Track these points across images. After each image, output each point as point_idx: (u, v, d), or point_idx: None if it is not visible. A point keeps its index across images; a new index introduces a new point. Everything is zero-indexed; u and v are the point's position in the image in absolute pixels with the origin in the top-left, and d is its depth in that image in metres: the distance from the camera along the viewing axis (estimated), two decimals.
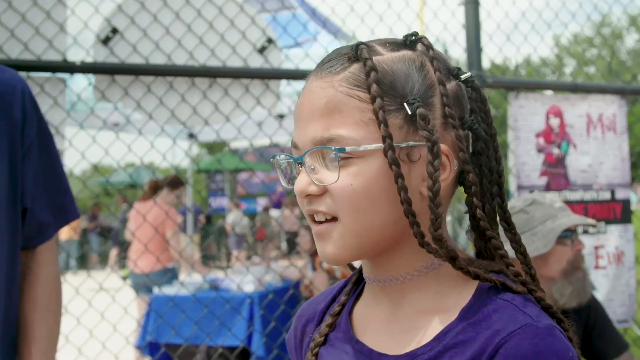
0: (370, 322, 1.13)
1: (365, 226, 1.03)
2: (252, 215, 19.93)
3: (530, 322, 0.97)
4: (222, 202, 20.69)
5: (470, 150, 1.09)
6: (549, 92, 4.02)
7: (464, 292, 1.05)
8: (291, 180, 1.11)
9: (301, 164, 1.05)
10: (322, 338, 1.18)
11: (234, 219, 16.85)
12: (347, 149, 1.00)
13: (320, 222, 1.05)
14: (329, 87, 1.03)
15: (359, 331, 1.14)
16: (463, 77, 1.10)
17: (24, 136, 1.82)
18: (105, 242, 20.35)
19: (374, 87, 1.01)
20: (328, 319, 1.20)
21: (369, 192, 1.01)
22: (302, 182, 1.05)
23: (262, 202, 20.90)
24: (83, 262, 19.10)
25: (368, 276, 1.13)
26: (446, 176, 1.05)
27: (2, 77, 1.81)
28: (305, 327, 1.27)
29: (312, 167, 1.04)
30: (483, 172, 1.10)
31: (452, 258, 1.02)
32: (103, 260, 19.76)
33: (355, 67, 1.04)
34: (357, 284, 1.22)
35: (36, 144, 1.85)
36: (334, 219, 1.04)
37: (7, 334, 1.80)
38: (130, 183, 11.80)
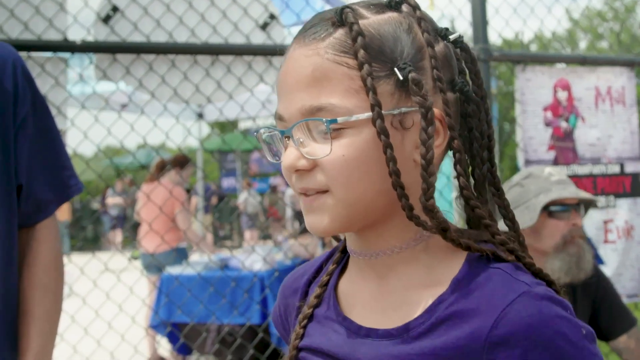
0: (358, 298, 1.10)
1: (357, 197, 0.99)
2: (264, 194, 19.94)
3: (527, 289, 0.94)
4: (234, 182, 20.71)
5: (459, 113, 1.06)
6: (556, 65, 3.96)
7: (453, 264, 1.02)
8: (276, 155, 1.06)
9: (289, 137, 1.00)
10: (310, 310, 1.15)
11: (245, 198, 16.87)
12: (339, 119, 0.96)
13: (310, 194, 1.01)
14: (315, 54, 0.98)
15: (346, 307, 1.11)
16: (452, 37, 1.06)
17: (17, 111, 1.78)
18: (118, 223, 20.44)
19: (362, 52, 0.96)
20: (316, 290, 1.16)
21: (361, 163, 0.97)
22: (291, 157, 0.99)
23: (274, 181, 20.93)
24: (95, 243, 19.19)
25: (353, 250, 1.09)
26: (440, 142, 1.01)
27: None
28: (287, 300, 1.25)
29: (301, 140, 0.99)
30: (473, 136, 1.05)
31: (443, 229, 0.98)
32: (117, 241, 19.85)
33: (341, 33, 0.99)
34: (339, 259, 1.19)
35: (31, 118, 1.81)
36: (324, 191, 1.00)
37: (7, 313, 1.78)
38: (142, 164, 11.81)
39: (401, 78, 0.98)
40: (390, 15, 1.03)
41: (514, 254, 1.02)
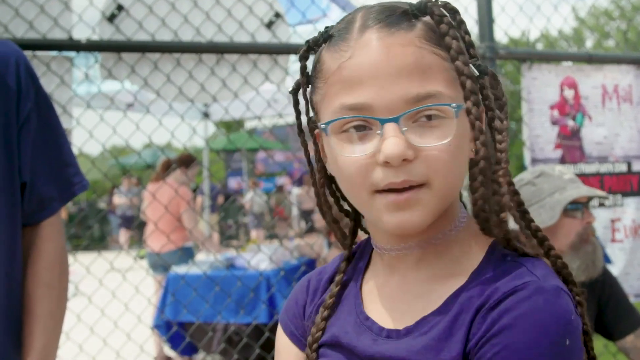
0: (382, 293, 1.11)
1: (450, 189, 1.01)
2: (269, 194, 19.94)
3: (535, 280, 0.96)
4: (240, 181, 20.71)
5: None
6: (563, 64, 3.95)
7: (475, 255, 1.04)
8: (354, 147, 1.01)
9: (394, 125, 0.96)
10: (327, 311, 1.15)
11: (251, 198, 16.86)
12: (454, 105, 0.97)
13: (400, 191, 0.98)
14: (410, 44, 0.98)
15: (368, 303, 1.11)
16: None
17: (20, 108, 1.77)
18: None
19: (455, 43, 0.99)
20: (332, 289, 1.17)
21: (459, 152, 1.00)
22: (401, 146, 0.95)
23: (280, 181, 20.92)
24: (102, 243, 19.20)
25: (385, 247, 1.09)
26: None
27: None
28: (308, 294, 1.24)
29: (405, 128, 0.97)
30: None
31: (507, 239, 1.02)
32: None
33: (423, 25, 1.01)
34: (364, 255, 1.20)
35: (34, 115, 1.80)
36: (419, 185, 0.98)
37: (11, 311, 1.77)
38: (148, 164, 11.83)
39: (477, 74, 1.01)
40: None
41: (544, 243, 1.10)
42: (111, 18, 3.10)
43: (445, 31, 0.99)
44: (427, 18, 1.02)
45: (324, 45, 1.07)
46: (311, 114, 1.13)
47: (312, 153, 1.17)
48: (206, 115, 10.04)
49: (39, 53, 2.92)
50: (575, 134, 3.74)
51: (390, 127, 0.96)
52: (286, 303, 1.28)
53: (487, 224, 1.00)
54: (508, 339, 0.91)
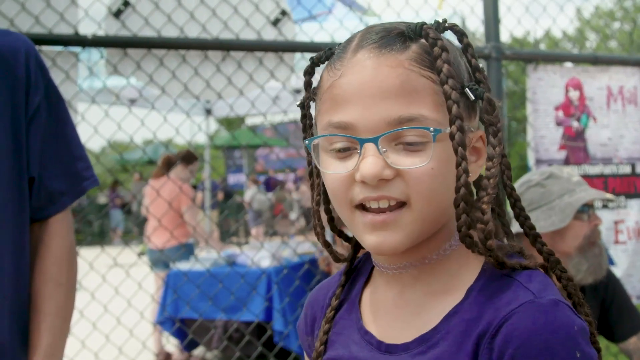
0: (380, 308, 1.11)
1: (433, 212, 1.00)
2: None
3: (532, 298, 0.96)
4: (241, 178, 20.70)
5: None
6: (568, 65, 3.94)
7: (470, 271, 1.04)
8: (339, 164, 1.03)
9: (372, 146, 0.98)
10: (328, 325, 1.16)
11: (251, 195, 16.85)
12: (443, 130, 0.97)
13: (379, 211, 1.00)
14: (399, 65, 0.99)
15: (367, 318, 1.12)
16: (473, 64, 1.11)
17: (29, 100, 1.75)
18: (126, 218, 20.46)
19: (446, 67, 0.98)
20: (332, 302, 1.19)
21: (444, 177, 0.99)
22: (377, 166, 0.97)
23: (280, 178, 20.89)
24: (102, 238, 19.20)
25: (382, 264, 1.10)
26: (482, 162, 1.06)
27: (5, 40, 1.75)
28: (315, 313, 1.25)
29: (384, 149, 0.98)
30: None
31: (499, 263, 1.01)
32: (124, 235, 19.87)
33: (417, 47, 1.01)
34: (363, 270, 1.20)
35: (44, 108, 1.78)
36: (397, 205, 0.99)
37: (18, 308, 1.76)
38: (148, 160, 11.82)
39: (472, 98, 1.01)
40: (445, 39, 1.05)
41: (550, 258, 1.08)
42: (117, 14, 3.09)
43: (437, 54, 0.98)
44: (423, 40, 1.01)
45: (326, 62, 1.09)
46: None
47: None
48: (209, 112, 10.03)
49: (45, 48, 2.91)
50: (579, 135, 3.73)
51: (369, 147, 0.98)
52: (300, 319, 1.30)
53: (476, 249, 1.00)
54: None
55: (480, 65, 1.08)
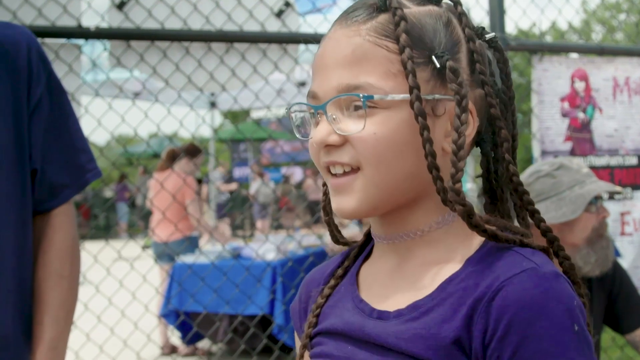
0: (376, 279, 1.12)
1: (386, 178, 1.01)
2: (276, 184, 19.91)
3: (534, 266, 0.95)
4: (246, 171, 20.70)
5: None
6: (574, 56, 3.92)
7: (470, 247, 1.04)
8: (305, 132, 1.09)
9: (322, 113, 1.03)
10: (324, 300, 1.16)
11: (257, 188, 16.85)
12: (375, 96, 0.99)
13: (339, 175, 1.04)
14: (356, 35, 1.02)
15: (363, 289, 1.13)
16: (487, 37, 1.10)
17: (31, 93, 1.74)
18: (133, 212, 20.49)
19: (404, 36, 1.00)
20: (331, 281, 1.19)
21: (392, 143, 1.00)
22: (323, 131, 1.03)
23: (287, 171, 20.88)
24: (107, 231, 19.22)
25: (377, 234, 1.11)
26: (470, 132, 1.04)
27: (6, 32, 1.75)
28: (310, 292, 1.24)
29: (334, 116, 1.03)
30: (498, 136, 1.07)
31: (469, 215, 0.99)
32: (128, 228, 19.90)
33: (383, 17, 1.02)
34: (363, 247, 1.20)
35: (46, 100, 1.78)
36: (353, 170, 1.02)
37: (21, 301, 1.76)
38: (153, 153, 11.82)
39: (438, 66, 1.01)
40: (431, 8, 1.06)
41: (554, 242, 1.06)
42: (120, 6, 3.08)
43: (396, 23, 1.00)
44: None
45: None
46: None
47: None
48: (213, 104, 10.03)
49: (48, 40, 2.90)
50: (585, 126, 3.71)
51: (321, 114, 1.03)
52: (294, 301, 1.30)
53: (445, 196, 1.00)
54: (519, 335, 0.91)
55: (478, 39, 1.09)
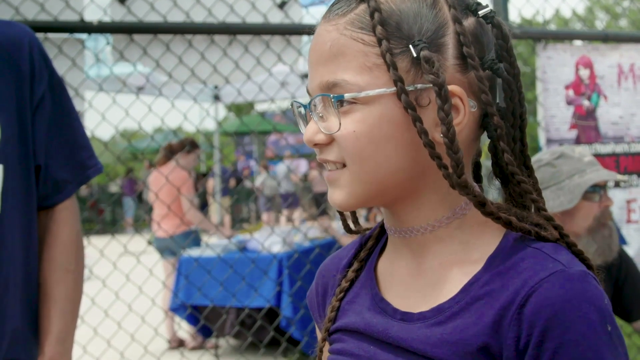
0: (395, 277, 1.09)
1: (370, 173, 1.00)
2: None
3: (562, 268, 0.93)
4: (251, 164, 20.73)
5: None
6: (578, 43, 3.91)
7: (490, 240, 1.01)
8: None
9: (308, 110, 1.03)
10: (342, 294, 1.14)
11: (262, 181, 16.88)
12: (346, 95, 0.97)
13: (331, 170, 1.03)
14: (334, 30, 1.00)
15: (383, 287, 1.10)
16: (481, 12, 1.02)
17: (34, 91, 1.77)
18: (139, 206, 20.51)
19: (379, 29, 0.97)
20: (348, 274, 1.16)
21: (372, 139, 0.98)
22: (310, 131, 1.03)
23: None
24: (114, 226, 19.27)
25: (389, 227, 1.09)
26: (460, 120, 0.99)
27: (9, 31, 1.78)
28: (327, 283, 1.22)
29: (321, 114, 1.01)
30: (505, 115, 1.03)
31: (481, 204, 0.97)
32: (134, 223, 19.93)
33: (361, 9, 0.99)
34: (379, 238, 1.18)
35: (48, 98, 1.81)
36: (343, 165, 1.01)
37: (28, 295, 1.79)
38: (158, 147, 11.82)
39: (415, 55, 0.97)
40: None
41: (559, 230, 1.02)
42: None
43: (370, 14, 0.97)
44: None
45: None
46: None
47: None
48: (217, 97, 10.02)
49: (51, 35, 2.90)
50: (590, 114, 3.70)
51: (308, 113, 1.04)
52: (308, 294, 1.27)
53: (452, 182, 0.96)
54: (554, 342, 0.90)
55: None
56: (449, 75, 0.98)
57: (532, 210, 1.05)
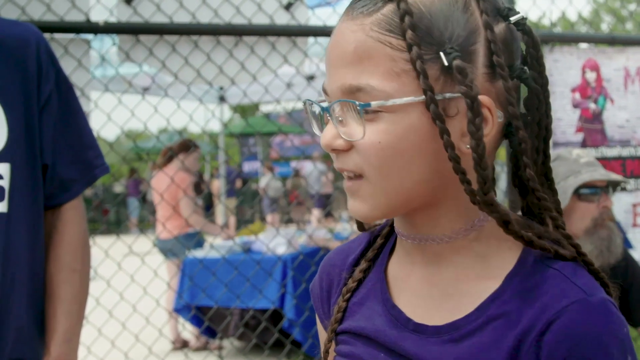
0: (406, 283, 1.05)
1: (394, 185, 0.94)
2: (285, 179, 19.92)
3: (583, 297, 0.91)
4: (256, 165, 20.73)
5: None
6: (584, 46, 3.90)
7: (507, 256, 0.98)
8: (323, 127, 1.01)
9: (327, 113, 0.97)
10: (355, 284, 1.10)
11: (267, 182, 16.87)
12: (373, 104, 0.91)
13: (350, 178, 0.98)
14: (360, 30, 0.93)
15: (393, 293, 1.06)
16: (513, 18, 0.96)
17: (41, 90, 1.78)
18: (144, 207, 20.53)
19: (409, 33, 0.90)
20: (356, 274, 1.11)
21: (398, 151, 0.93)
22: (328, 136, 0.96)
23: (297, 165, 20.89)
24: (118, 226, 19.30)
25: (401, 232, 1.04)
26: (488, 131, 0.94)
27: (15, 30, 1.78)
28: (332, 279, 1.18)
29: (340, 118, 0.96)
30: (530, 126, 0.98)
31: (505, 222, 0.93)
32: (140, 223, 19.95)
33: (389, 9, 0.93)
34: (388, 237, 1.13)
35: (55, 97, 1.81)
36: (360, 175, 0.96)
37: (34, 295, 1.79)
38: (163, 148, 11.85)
39: (446, 64, 0.91)
40: None
41: (577, 249, 0.99)
42: (129, 0, 3.08)
43: (401, 17, 0.91)
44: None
45: None
46: None
47: None
48: (222, 98, 10.02)
49: (57, 36, 2.91)
50: (596, 117, 3.69)
51: (326, 116, 0.97)
52: (312, 286, 1.23)
53: (474, 198, 0.93)
54: None
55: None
56: (479, 84, 0.93)
57: (550, 226, 1.02)
